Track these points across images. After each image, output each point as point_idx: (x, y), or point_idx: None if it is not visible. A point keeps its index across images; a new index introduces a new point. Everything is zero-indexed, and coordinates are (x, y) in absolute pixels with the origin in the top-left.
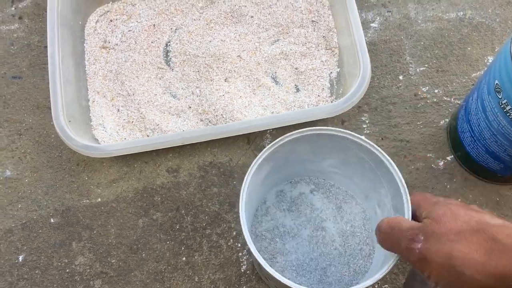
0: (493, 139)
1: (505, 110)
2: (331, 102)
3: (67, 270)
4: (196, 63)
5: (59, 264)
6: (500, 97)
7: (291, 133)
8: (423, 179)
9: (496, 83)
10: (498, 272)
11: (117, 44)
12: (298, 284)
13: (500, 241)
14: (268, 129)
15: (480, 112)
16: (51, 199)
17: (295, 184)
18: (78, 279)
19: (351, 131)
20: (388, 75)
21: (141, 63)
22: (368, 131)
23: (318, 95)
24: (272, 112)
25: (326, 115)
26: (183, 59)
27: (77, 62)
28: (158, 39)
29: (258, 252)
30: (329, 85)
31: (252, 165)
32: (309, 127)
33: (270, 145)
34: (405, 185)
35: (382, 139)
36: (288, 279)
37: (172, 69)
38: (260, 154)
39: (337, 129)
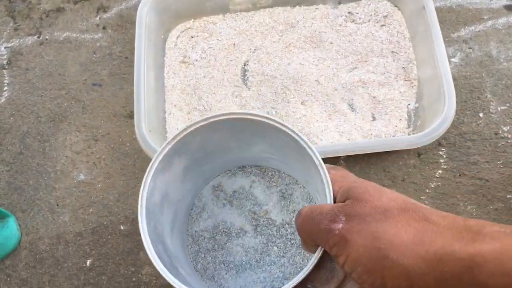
0: None
1: None
2: (408, 134)
3: (133, 279)
4: (273, 84)
5: (126, 272)
6: None
7: (189, 124)
8: (502, 221)
9: None
10: (431, 255)
11: (196, 60)
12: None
13: (435, 222)
14: (341, 156)
15: None
16: (122, 206)
17: (233, 176)
18: None
19: (428, 165)
20: (468, 111)
21: (219, 80)
22: (445, 166)
23: (396, 126)
24: (348, 139)
25: (405, 147)
26: (260, 79)
27: (157, 75)
28: (237, 58)
29: (198, 253)
30: (406, 117)
31: (150, 164)
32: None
33: (170, 139)
34: (324, 167)
35: (460, 175)
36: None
37: (249, 88)
38: (159, 150)
39: (240, 111)
